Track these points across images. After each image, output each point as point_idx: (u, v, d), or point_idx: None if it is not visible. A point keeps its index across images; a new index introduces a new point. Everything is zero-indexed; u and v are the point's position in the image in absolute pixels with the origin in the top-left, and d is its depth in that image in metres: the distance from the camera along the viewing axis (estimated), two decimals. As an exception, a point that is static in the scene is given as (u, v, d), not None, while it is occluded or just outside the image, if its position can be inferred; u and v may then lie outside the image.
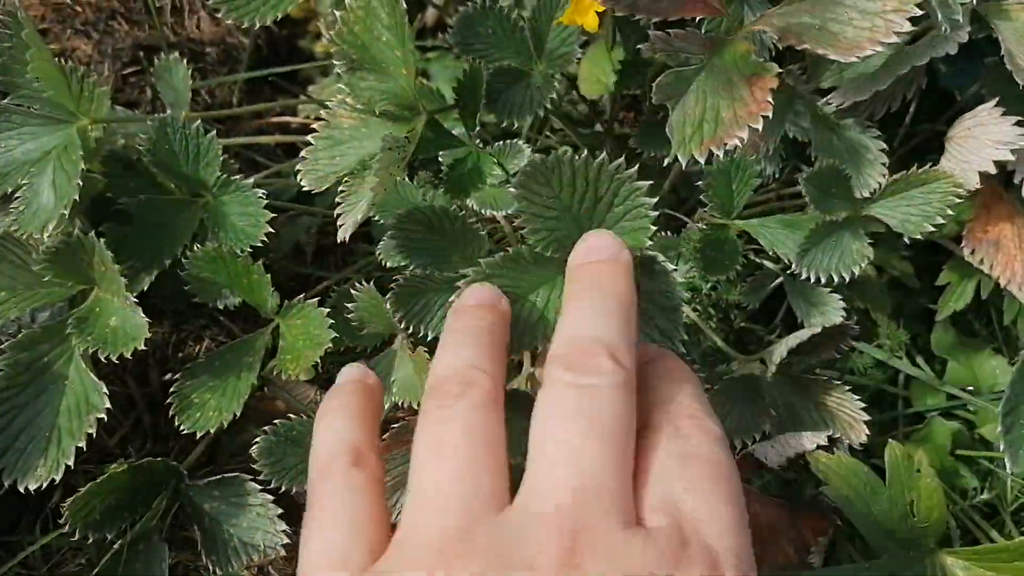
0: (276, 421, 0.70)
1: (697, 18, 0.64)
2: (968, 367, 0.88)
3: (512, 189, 0.53)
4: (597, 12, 0.66)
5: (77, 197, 0.67)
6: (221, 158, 0.75)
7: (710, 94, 0.60)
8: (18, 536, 0.75)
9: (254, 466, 0.70)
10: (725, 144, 0.58)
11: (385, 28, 0.68)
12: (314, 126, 0.73)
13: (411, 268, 0.68)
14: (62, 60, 0.71)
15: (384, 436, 0.66)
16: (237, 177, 0.75)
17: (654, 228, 0.53)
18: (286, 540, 0.72)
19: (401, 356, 0.71)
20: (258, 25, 0.72)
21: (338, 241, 0.68)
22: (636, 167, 0.53)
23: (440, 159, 0.75)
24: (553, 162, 0.52)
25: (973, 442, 0.84)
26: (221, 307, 0.78)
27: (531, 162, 0.52)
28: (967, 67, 0.85)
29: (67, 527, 0.66)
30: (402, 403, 0.69)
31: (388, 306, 0.65)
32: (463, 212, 0.67)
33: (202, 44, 0.99)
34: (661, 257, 0.54)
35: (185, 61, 0.87)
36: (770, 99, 0.58)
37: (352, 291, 0.69)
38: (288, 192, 0.94)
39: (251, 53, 0.99)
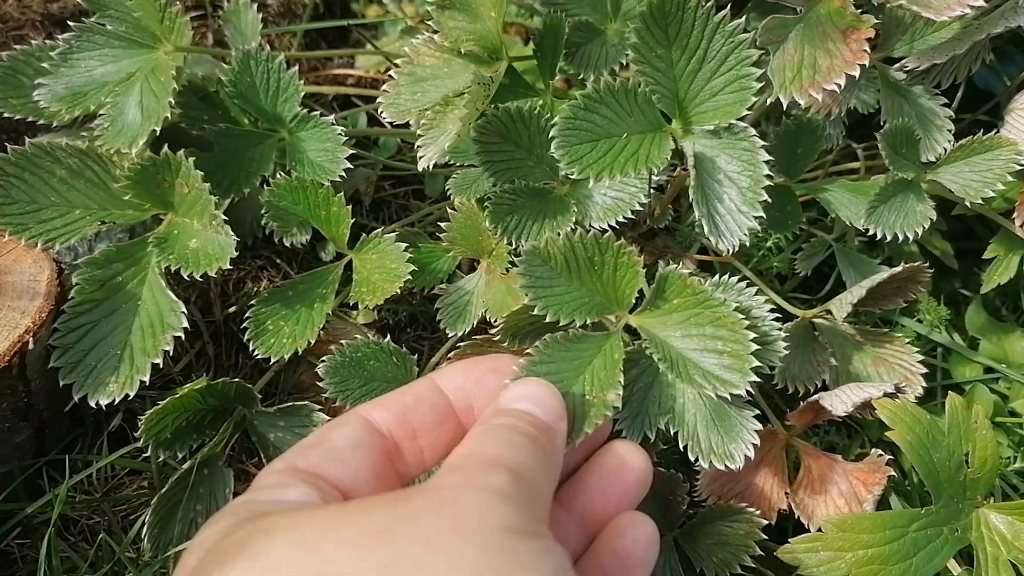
0: (343, 341, 0.71)
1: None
2: (999, 346, 0.91)
3: (633, 26, 0.59)
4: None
5: (169, 115, 0.67)
6: (301, 94, 0.75)
7: (807, 43, 0.62)
8: (76, 455, 0.73)
9: (320, 384, 0.70)
10: (824, 89, 0.60)
11: (479, -30, 0.70)
12: (397, 62, 0.74)
13: (499, 184, 0.70)
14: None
15: (450, 355, 0.69)
16: (316, 113, 0.76)
17: (754, 100, 0.58)
18: (348, 474, 0.72)
19: (490, 280, 0.72)
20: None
21: (419, 169, 0.69)
22: (752, 34, 0.60)
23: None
24: (678, 3, 0.57)
25: (1006, 415, 0.87)
26: (288, 244, 0.78)
27: (657, 1, 0.57)
28: (1000, 69, 0.92)
29: (141, 442, 0.66)
30: (492, 319, 0.71)
31: (487, 223, 0.66)
32: (537, 112, 0.69)
33: (263, -5, 0.99)
34: (751, 131, 0.58)
35: (255, 6, 0.88)
36: (866, 49, 0.61)
37: (449, 210, 0.70)
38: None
39: (310, 9, 1.00)
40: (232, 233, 0.67)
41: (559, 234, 0.60)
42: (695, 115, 0.65)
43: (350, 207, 0.72)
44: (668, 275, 0.61)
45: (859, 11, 0.63)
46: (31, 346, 0.65)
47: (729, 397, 0.58)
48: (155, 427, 0.66)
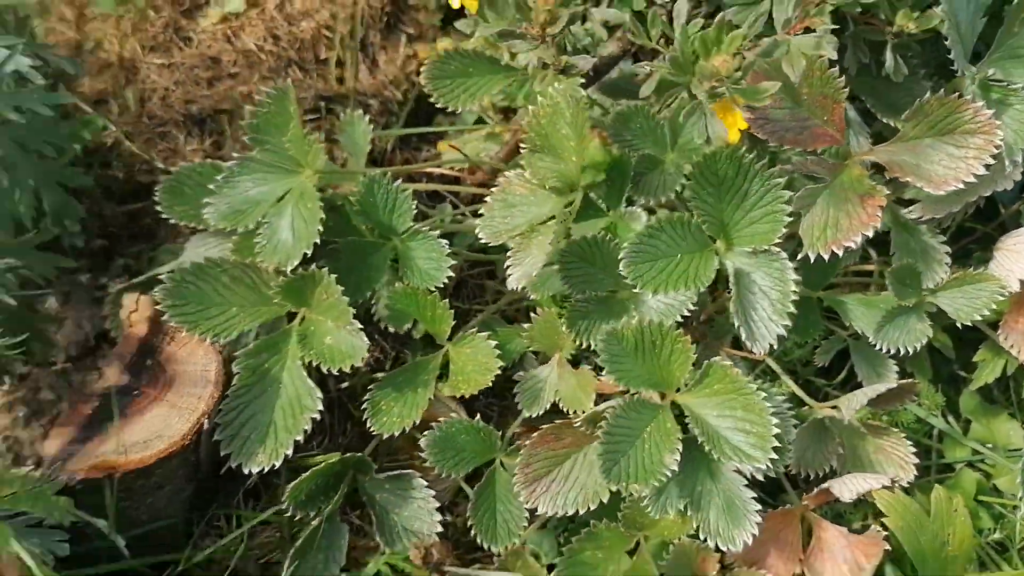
0: (440, 418, 0.88)
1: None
2: (988, 428, 1.07)
3: (689, 168, 0.79)
4: (740, 129, 0.84)
5: (318, 240, 0.84)
6: (414, 212, 0.92)
7: (832, 206, 0.78)
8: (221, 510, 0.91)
9: (420, 454, 0.87)
10: (844, 246, 0.76)
11: (567, 123, 0.86)
12: (493, 190, 0.90)
13: (574, 295, 0.88)
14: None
15: (534, 434, 0.85)
16: (425, 227, 0.92)
17: (785, 230, 0.77)
18: (440, 529, 0.89)
19: (562, 372, 0.89)
20: (462, 110, 0.90)
21: (508, 288, 0.86)
22: (786, 178, 0.79)
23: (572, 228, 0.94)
24: (729, 153, 0.76)
25: (990, 490, 1.03)
26: (392, 330, 0.95)
27: (713, 151, 0.77)
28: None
29: (285, 505, 0.83)
30: (567, 411, 0.87)
31: (563, 327, 0.83)
32: (609, 238, 0.86)
33: (365, 95, 1.16)
34: (783, 254, 0.78)
35: (368, 118, 1.04)
36: (879, 214, 0.77)
37: (532, 314, 0.87)
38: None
39: (404, 105, 1.17)
40: (365, 339, 0.83)
41: (633, 320, 0.78)
42: (736, 238, 0.82)
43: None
44: (713, 364, 0.79)
45: (874, 182, 0.79)
46: (206, 426, 0.82)
47: (752, 470, 0.76)
48: (297, 493, 0.83)
